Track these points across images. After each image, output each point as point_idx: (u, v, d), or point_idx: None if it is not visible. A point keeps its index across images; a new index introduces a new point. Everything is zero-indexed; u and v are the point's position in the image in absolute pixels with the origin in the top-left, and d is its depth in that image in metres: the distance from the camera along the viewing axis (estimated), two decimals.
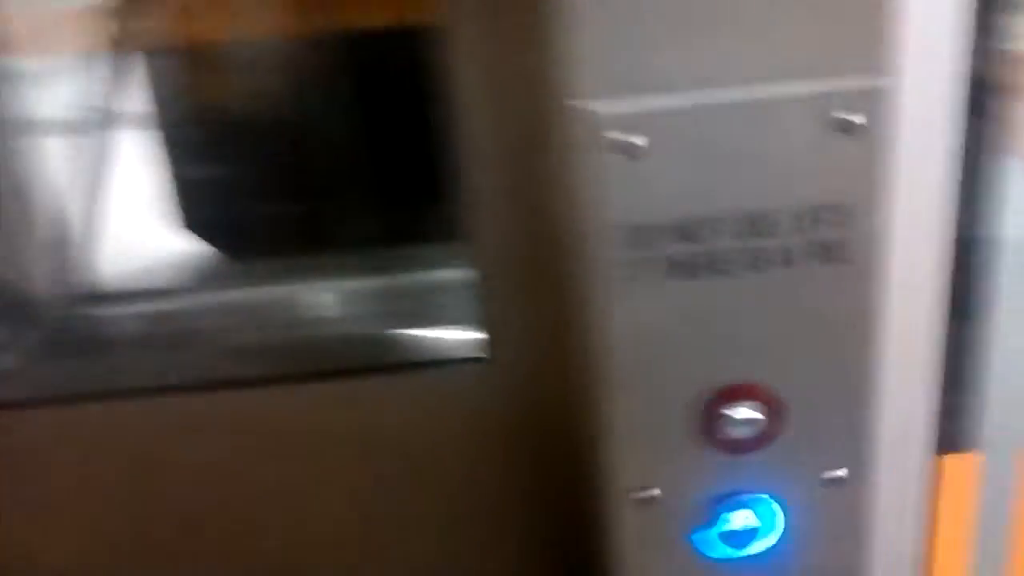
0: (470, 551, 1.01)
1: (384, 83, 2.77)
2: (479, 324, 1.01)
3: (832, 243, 0.57)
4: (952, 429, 0.78)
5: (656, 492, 0.63)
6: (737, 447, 0.63)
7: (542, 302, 0.87)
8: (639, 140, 0.53)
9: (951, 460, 0.82)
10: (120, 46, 2.96)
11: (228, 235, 3.12)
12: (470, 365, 0.97)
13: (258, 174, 3.08)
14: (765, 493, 0.63)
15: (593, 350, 0.65)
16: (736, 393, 0.62)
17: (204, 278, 2.78)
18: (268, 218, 3.03)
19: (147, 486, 1.12)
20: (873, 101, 0.54)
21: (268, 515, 1.11)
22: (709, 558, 0.66)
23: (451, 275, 1.74)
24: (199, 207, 3.17)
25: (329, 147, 2.88)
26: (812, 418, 0.63)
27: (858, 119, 0.54)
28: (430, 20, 1.19)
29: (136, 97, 2.89)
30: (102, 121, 2.84)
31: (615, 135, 0.53)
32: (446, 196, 1.20)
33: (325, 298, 2.25)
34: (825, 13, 0.56)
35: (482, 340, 1.01)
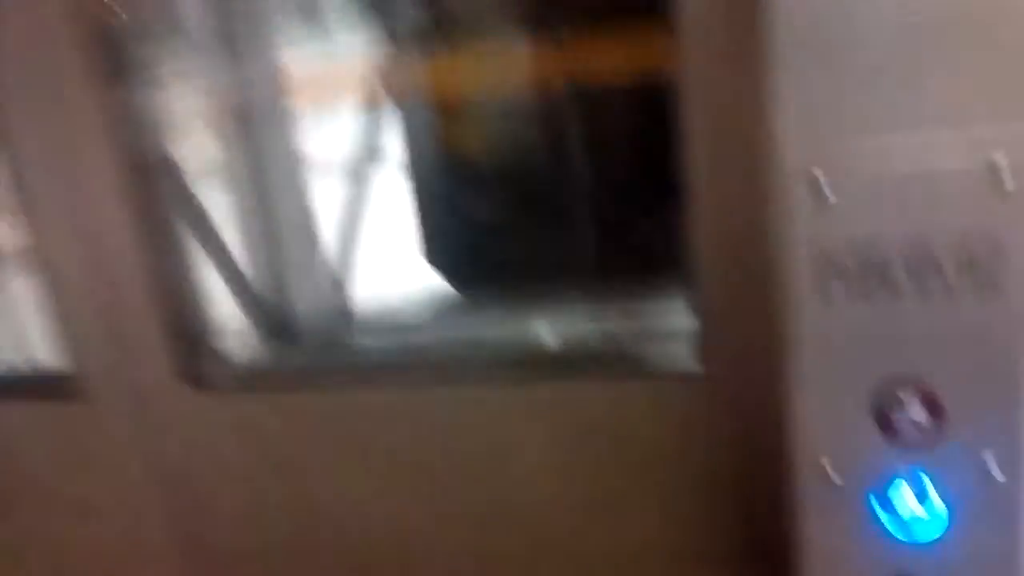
0: (678, 533, 1.12)
1: (619, 135, 2.98)
2: (695, 339, 1.13)
3: (988, 276, 0.67)
4: None
5: (839, 480, 0.75)
6: (907, 440, 0.74)
7: (752, 323, 0.98)
8: (831, 194, 0.66)
9: None
10: (386, 98, 3.35)
11: (471, 271, 3.42)
12: (686, 378, 1.09)
13: (501, 217, 3.36)
14: (932, 488, 0.73)
15: (791, 360, 0.77)
16: (907, 392, 0.73)
17: (448, 310, 3.05)
18: (507, 257, 3.29)
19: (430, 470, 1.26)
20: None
21: (515, 494, 1.25)
22: (882, 537, 0.75)
23: (674, 305, 1.86)
24: (445, 245, 3.49)
25: (565, 193, 3.12)
26: (972, 426, 0.72)
27: (1012, 164, 0.63)
28: (666, 78, 1.33)
29: (396, 143, 3.26)
30: (367, 163, 3.22)
31: (813, 186, 0.66)
32: (672, 224, 1.33)
33: (555, 326, 2.45)
34: (988, 68, 0.66)
35: (696, 356, 1.13)
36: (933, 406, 0.71)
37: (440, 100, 3.45)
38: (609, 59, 2.93)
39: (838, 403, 0.73)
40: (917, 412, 0.72)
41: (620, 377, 1.11)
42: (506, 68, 3.14)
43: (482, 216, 3.53)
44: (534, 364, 1.32)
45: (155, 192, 1.21)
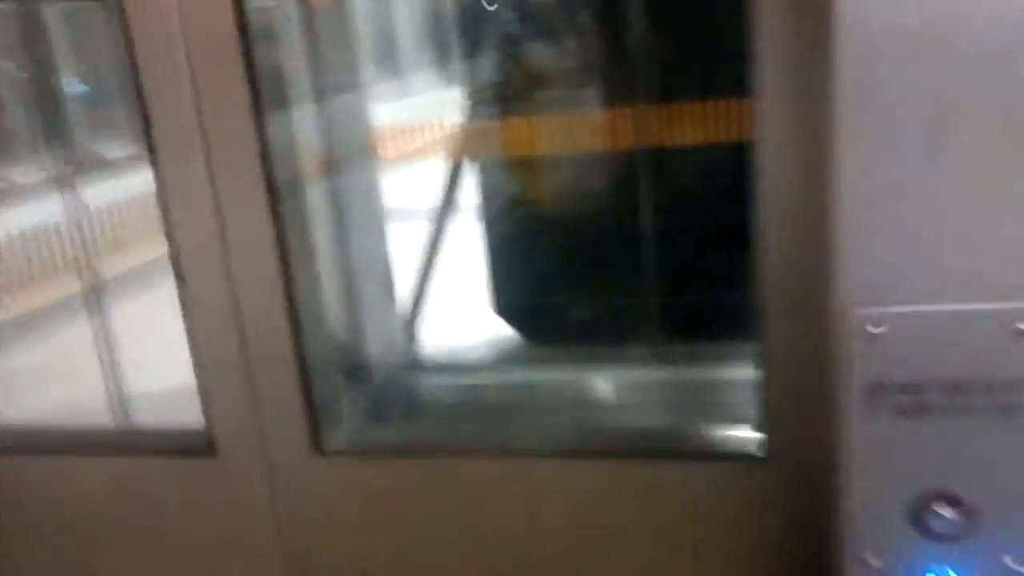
0: None
1: (692, 196, 3.09)
2: (759, 423, 1.22)
3: (1014, 407, 0.78)
4: None
5: (879, 564, 0.86)
6: (940, 538, 0.85)
7: (816, 409, 1.06)
8: (878, 330, 0.79)
9: None
10: (461, 155, 3.52)
11: (536, 322, 3.53)
12: (750, 461, 1.19)
13: (567, 268, 3.49)
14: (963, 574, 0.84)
15: (842, 463, 0.89)
16: (941, 498, 0.84)
17: (510, 358, 3.16)
18: (573, 309, 3.40)
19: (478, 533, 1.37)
20: None
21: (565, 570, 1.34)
22: None
23: (738, 373, 1.93)
24: (511, 294, 3.62)
25: (632, 247, 3.23)
26: (1002, 524, 0.82)
27: None
28: (738, 142, 1.40)
29: (470, 196, 3.42)
30: (442, 214, 3.38)
31: (865, 327, 0.79)
32: (740, 300, 1.42)
33: (615, 386, 2.53)
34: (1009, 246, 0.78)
35: (762, 439, 1.22)
36: (961, 512, 0.82)
37: (517, 156, 3.61)
38: (682, 126, 3.07)
39: (883, 501, 0.86)
40: (948, 517, 0.83)
41: (687, 458, 1.21)
42: (586, 131, 3.29)
43: (550, 269, 3.67)
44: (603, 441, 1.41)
45: (301, 242, 1.30)
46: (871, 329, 0.83)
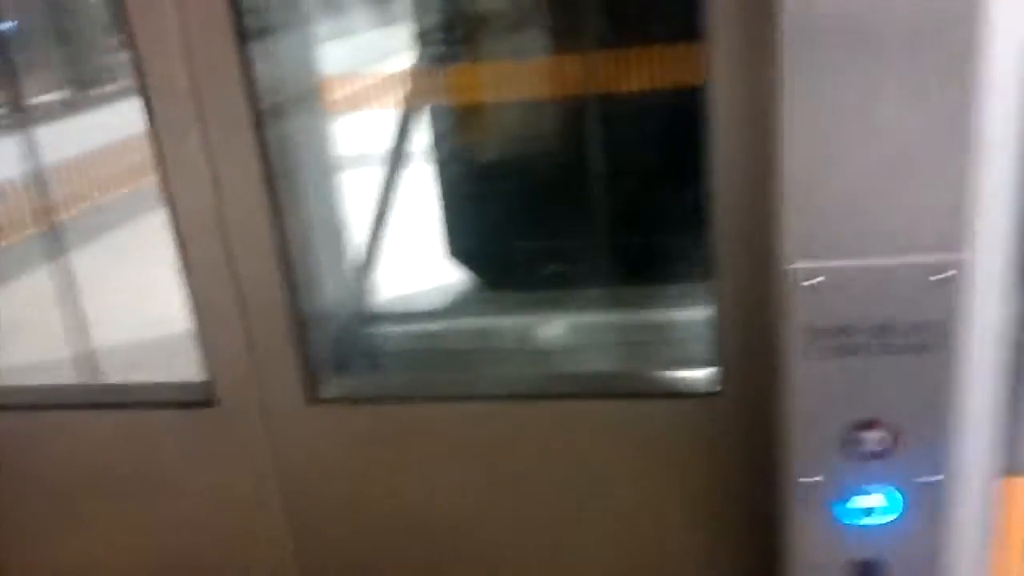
0: (687, 539, 1.31)
1: (642, 140, 3.19)
2: (713, 361, 1.32)
3: (922, 344, 0.91)
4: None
5: (816, 481, 1.00)
6: (866, 458, 0.99)
7: (765, 348, 1.17)
8: (813, 281, 0.91)
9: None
10: (411, 103, 3.56)
11: (488, 266, 3.63)
12: (705, 397, 1.30)
13: (517, 213, 3.58)
14: (888, 486, 0.98)
15: (783, 397, 1.02)
16: (867, 424, 0.97)
17: (464, 304, 3.25)
18: (524, 253, 3.50)
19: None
20: (955, 268, 0.87)
21: (538, 508, 1.44)
22: (849, 528, 1.00)
23: (690, 314, 2.04)
24: (464, 239, 3.71)
25: (582, 191, 3.33)
26: (918, 443, 0.96)
27: (943, 278, 0.87)
28: (690, 90, 1.45)
29: (421, 143, 3.48)
30: (393, 162, 3.42)
31: (802, 278, 0.91)
32: (693, 243, 1.52)
33: (571, 329, 2.64)
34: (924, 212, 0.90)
35: (715, 376, 1.32)
36: (889, 431, 0.96)
37: (467, 104, 3.67)
38: (634, 72, 3.17)
39: (819, 426, 0.99)
40: (877, 435, 0.97)
41: (644, 397, 1.33)
42: (535, 77, 3.37)
43: (502, 214, 3.76)
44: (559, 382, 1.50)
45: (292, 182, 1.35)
46: (807, 281, 0.95)
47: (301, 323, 1.23)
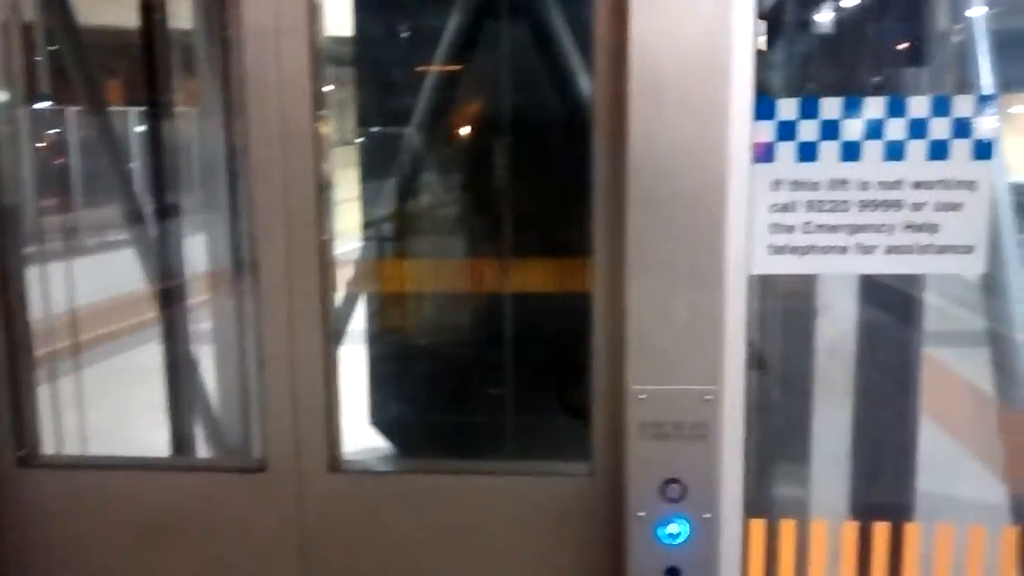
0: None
1: (541, 334, 4.02)
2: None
3: (699, 435, 1.75)
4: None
5: (643, 515, 1.78)
6: (672, 501, 1.78)
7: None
8: (644, 396, 1.75)
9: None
10: (351, 287, 4.34)
11: (405, 434, 4.32)
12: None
13: (431, 389, 4.32)
14: (683, 518, 1.75)
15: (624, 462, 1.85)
16: (672, 480, 1.78)
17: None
18: (435, 425, 4.20)
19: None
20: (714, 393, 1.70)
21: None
22: (662, 545, 1.77)
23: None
24: (385, 409, 4.40)
25: (486, 374, 4.11)
26: (700, 494, 1.79)
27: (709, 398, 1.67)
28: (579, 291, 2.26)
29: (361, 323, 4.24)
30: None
31: (638, 395, 1.75)
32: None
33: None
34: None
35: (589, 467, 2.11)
36: (681, 487, 1.75)
37: (394, 293, 4.48)
38: (538, 278, 4.07)
39: (644, 486, 1.77)
40: (676, 489, 1.75)
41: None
42: (449, 274, 4.24)
43: (418, 390, 4.50)
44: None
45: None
46: (641, 396, 1.75)
47: (331, 415, 1.97)
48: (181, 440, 3.25)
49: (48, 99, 3.95)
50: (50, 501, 2.07)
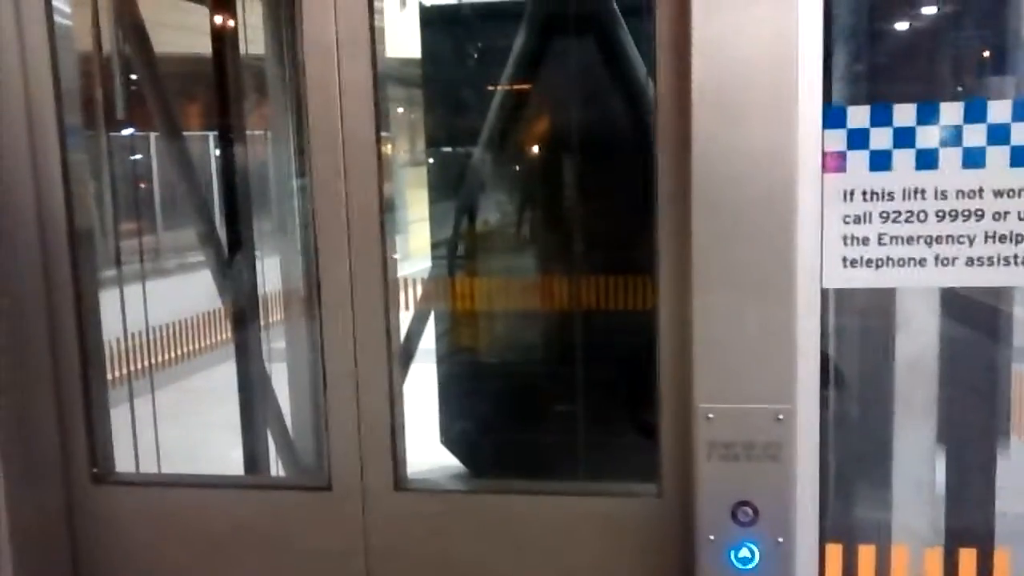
0: None
1: (612, 354, 3.97)
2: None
3: (772, 455, 1.68)
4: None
5: (715, 539, 1.72)
6: (743, 524, 1.71)
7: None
8: (712, 415, 1.69)
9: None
10: (421, 305, 4.34)
11: (476, 453, 4.30)
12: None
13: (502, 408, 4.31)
14: (753, 543, 1.68)
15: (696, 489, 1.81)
16: (744, 503, 1.71)
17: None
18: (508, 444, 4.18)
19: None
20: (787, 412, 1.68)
21: None
22: (734, 568, 1.69)
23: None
24: (457, 429, 4.38)
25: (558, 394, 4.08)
26: (772, 518, 1.69)
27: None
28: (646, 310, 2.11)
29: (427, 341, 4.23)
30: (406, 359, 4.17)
31: (706, 414, 1.68)
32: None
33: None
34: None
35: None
36: (753, 511, 1.68)
37: (467, 310, 4.49)
38: (609, 295, 4.04)
39: (713, 509, 1.71)
40: (747, 513, 1.69)
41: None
42: (519, 292, 4.23)
43: (487, 409, 4.49)
44: None
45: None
46: (709, 415, 1.70)
47: (396, 433, 1.97)
48: (254, 459, 3.29)
49: (127, 126, 4.07)
50: (122, 517, 2.10)
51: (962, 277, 1.69)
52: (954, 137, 1.64)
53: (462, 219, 4.45)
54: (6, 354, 1.98)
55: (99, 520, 2.10)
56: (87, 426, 2.08)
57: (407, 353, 4.08)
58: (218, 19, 3.30)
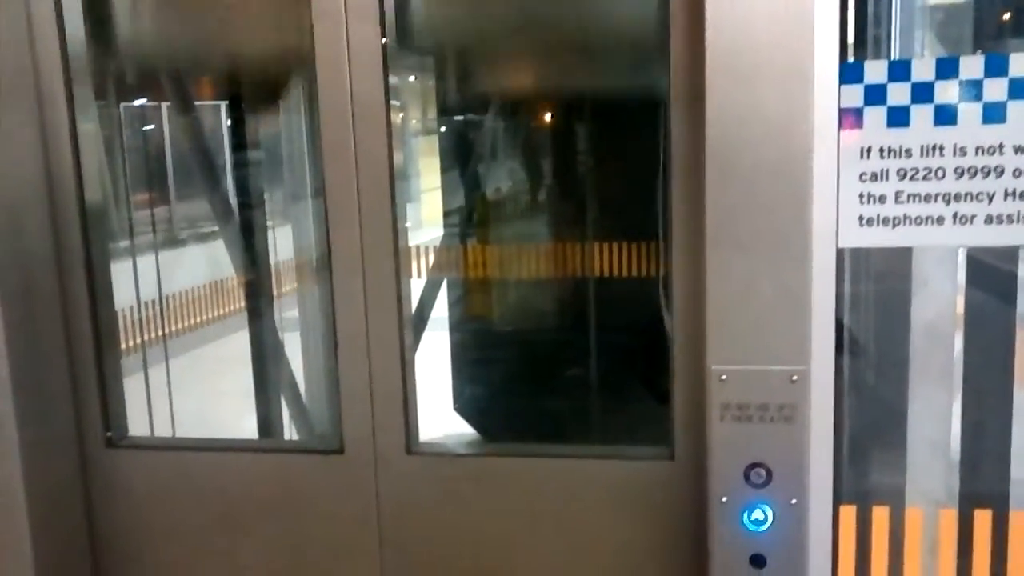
0: None
1: (621, 320, 3.94)
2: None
3: (786, 416, 1.65)
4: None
5: (727, 500, 1.69)
6: (757, 486, 1.68)
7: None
8: (724, 377, 1.66)
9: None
10: (433, 272, 4.34)
11: (489, 420, 4.29)
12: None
13: (517, 378, 4.29)
14: (766, 504, 1.66)
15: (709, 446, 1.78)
16: (757, 465, 1.67)
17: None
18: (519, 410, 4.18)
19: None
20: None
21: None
22: (747, 530, 1.67)
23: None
24: (469, 395, 4.38)
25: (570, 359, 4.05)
26: (786, 480, 1.65)
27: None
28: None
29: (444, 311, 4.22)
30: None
31: (719, 375, 1.66)
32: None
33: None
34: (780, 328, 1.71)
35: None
36: (766, 472, 1.65)
37: (479, 278, 4.47)
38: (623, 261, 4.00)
39: (726, 470, 1.68)
40: (760, 475, 1.66)
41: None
42: (532, 259, 4.19)
43: (499, 375, 4.48)
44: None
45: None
46: (722, 377, 1.67)
47: (408, 397, 1.95)
48: (268, 425, 3.29)
49: (139, 96, 4.03)
50: (136, 481, 2.10)
51: (980, 236, 1.65)
52: (973, 92, 1.59)
53: (473, 186, 4.42)
54: (22, 320, 1.97)
55: (113, 483, 2.10)
56: (100, 390, 2.08)
57: (420, 319, 4.08)
58: None
